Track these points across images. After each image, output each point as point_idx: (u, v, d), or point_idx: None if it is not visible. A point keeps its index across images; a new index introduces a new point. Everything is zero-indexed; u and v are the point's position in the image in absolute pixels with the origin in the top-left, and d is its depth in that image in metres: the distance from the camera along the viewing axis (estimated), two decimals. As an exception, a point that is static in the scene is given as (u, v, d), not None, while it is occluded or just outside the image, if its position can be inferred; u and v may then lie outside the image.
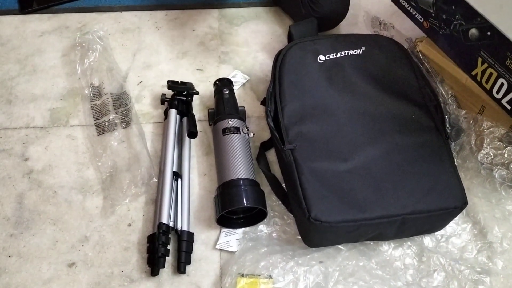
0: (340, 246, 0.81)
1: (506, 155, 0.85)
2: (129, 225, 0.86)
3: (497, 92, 0.83)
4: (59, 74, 1.08)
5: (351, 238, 0.81)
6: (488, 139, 0.86)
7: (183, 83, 1.00)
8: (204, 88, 1.05)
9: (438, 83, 0.94)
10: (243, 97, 1.04)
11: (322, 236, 0.79)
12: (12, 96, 1.04)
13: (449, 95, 0.93)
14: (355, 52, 0.93)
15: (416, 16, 0.96)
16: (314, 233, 0.78)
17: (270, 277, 0.77)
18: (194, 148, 0.96)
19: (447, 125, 0.91)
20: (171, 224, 0.82)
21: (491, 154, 0.86)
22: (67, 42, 1.14)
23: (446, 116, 0.90)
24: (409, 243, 0.83)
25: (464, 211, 0.82)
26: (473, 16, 0.80)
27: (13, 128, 0.99)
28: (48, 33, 1.16)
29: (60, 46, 1.13)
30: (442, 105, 0.90)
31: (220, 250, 0.83)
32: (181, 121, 0.97)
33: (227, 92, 0.97)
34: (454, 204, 0.77)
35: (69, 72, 1.08)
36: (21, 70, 1.08)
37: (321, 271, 0.78)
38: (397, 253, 0.82)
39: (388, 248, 0.82)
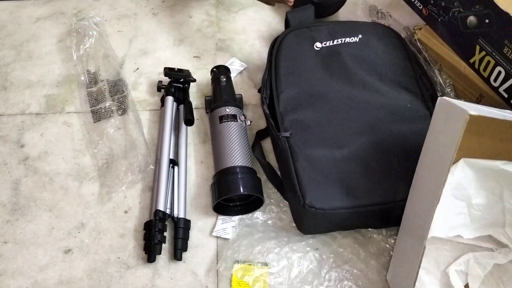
0: (335, 234, 0.82)
1: (502, 144, 0.85)
2: (126, 212, 0.86)
3: (495, 80, 0.83)
4: (55, 61, 1.07)
5: (346, 225, 0.81)
6: (485, 128, 0.86)
7: (179, 70, 0.99)
8: (201, 75, 1.05)
9: (436, 71, 0.93)
10: (240, 85, 1.04)
11: (316, 223, 0.79)
12: (8, 83, 1.03)
13: (447, 84, 0.93)
14: (352, 39, 0.93)
15: (415, 2, 0.95)
16: (309, 220, 0.78)
17: (266, 263, 0.78)
18: (191, 136, 0.96)
19: (444, 114, 0.90)
20: (168, 211, 0.83)
21: (488, 143, 0.86)
22: (62, 28, 1.13)
23: (443, 105, 0.90)
24: (404, 231, 0.83)
25: (459, 199, 0.82)
26: (472, 3, 0.80)
27: (9, 115, 0.98)
28: (44, 18, 1.15)
29: (55, 32, 1.12)
30: (439, 94, 0.90)
31: (217, 237, 0.83)
32: (177, 109, 0.97)
33: (224, 79, 0.96)
34: (449, 192, 0.77)
35: (65, 59, 1.07)
36: (17, 56, 1.08)
37: (315, 257, 0.79)
38: (392, 241, 0.82)
39: (382, 236, 0.83)
